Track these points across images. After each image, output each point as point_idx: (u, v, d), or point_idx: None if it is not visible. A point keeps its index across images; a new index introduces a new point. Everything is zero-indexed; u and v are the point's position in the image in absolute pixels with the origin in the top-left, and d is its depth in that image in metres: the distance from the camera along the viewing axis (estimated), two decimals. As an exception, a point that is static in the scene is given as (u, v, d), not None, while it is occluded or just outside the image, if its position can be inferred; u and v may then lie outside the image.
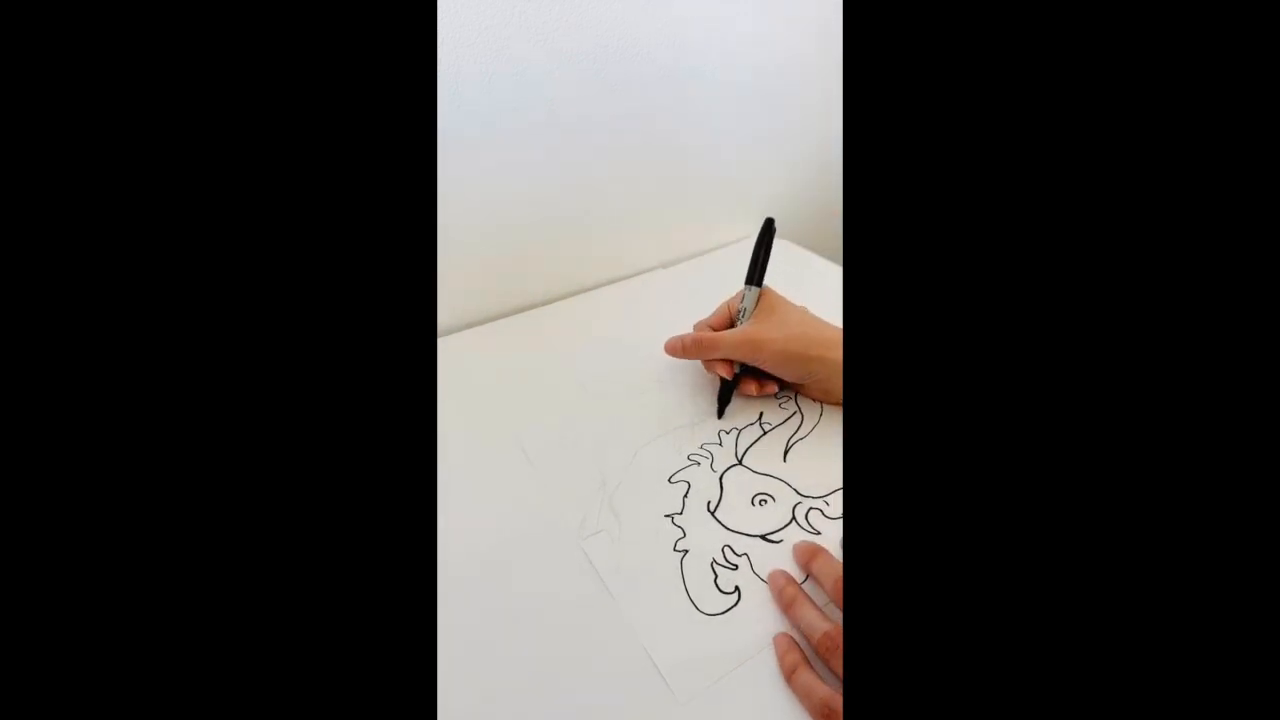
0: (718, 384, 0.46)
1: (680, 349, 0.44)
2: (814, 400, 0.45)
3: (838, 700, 0.27)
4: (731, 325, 0.45)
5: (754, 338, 0.42)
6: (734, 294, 0.46)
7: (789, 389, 0.46)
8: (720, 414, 0.45)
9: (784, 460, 0.41)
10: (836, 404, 0.45)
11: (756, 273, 0.44)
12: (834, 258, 0.65)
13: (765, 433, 0.43)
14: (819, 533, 0.36)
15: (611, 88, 0.53)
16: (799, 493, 0.39)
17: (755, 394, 0.45)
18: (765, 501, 0.38)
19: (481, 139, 0.49)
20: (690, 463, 0.41)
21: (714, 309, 0.47)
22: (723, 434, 0.43)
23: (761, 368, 0.43)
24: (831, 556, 0.33)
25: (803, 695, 0.28)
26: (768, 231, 0.45)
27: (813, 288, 0.58)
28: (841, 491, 0.39)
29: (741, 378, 0.45)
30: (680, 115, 0.58)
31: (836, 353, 0.42)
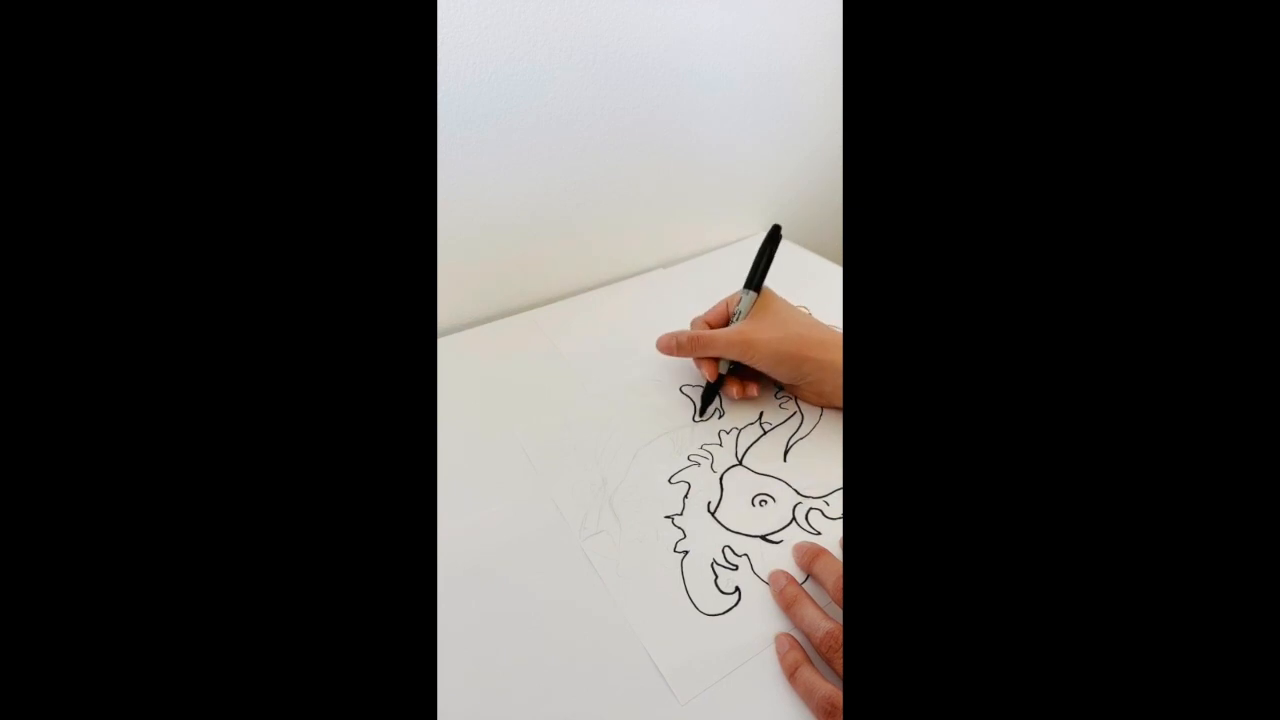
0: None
1: (674, 347, 0.44)
2: (811, 404, 0.45)
3: (840, 698, 0.27)
4: (728, 323, 0.45)
5: (747, 337, 0.42)
6: (733, 292, 0.46)
7: (785, 391, 0.46)
8: (701, 415, 0.45)
9: (784, 460, 0.41)
10: (831, 408, 0.44)
11: (755, 278, 0.44)
12: (834, 258, 0.65)
13: (765, 433, 0.43)
14: (819, 533, 0.36)
15: (611, 88, 0.53)
16: (799, 493, 0.39)
17: (737, 397, 0.44)
18: (765, 502, 0.38)
19: (481, 139, 0.49)
20: (690, 463, 0.41)
21: (711, 306, 0.47)
22: (723, 434, 0.43)
23: (754, 367, 0.43)
24: (833, 557, 0.33)
25: (805, 694, 0.28)
26: (772, 239, 0.45)
27: (813, 288, 0.58)
28: (841, 491, 0.39)
29: (726, 379, 0.45)
30: (680, 115, 0.58)
31: (830, 354, 0.41)
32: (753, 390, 0.44)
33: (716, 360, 0.44)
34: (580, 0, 0.48)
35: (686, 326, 0.46)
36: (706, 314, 0.46)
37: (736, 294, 0.45)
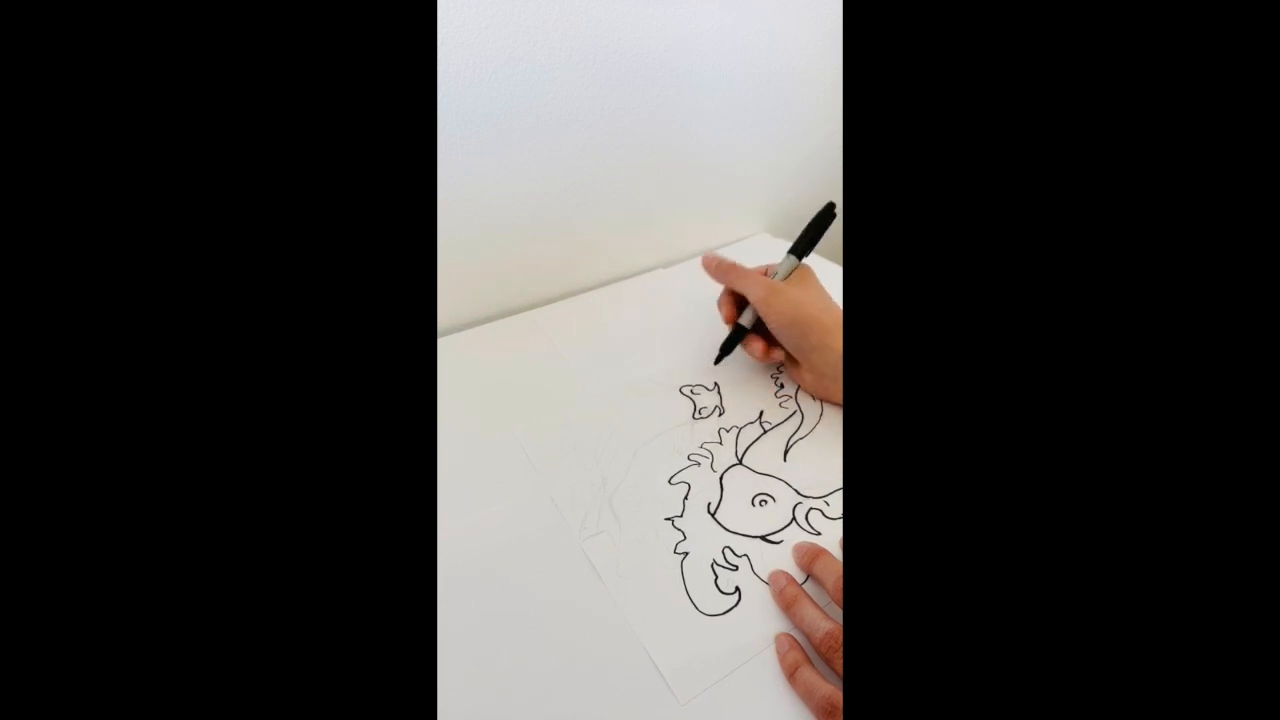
0: (715, 385, 0.47)
1: (714, 266, 0.46)
2: (810, 396, 0.45)
3: (840, 698, 0.27)
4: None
5: (774, 287, 0.43)
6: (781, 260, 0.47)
7: (785, 388, 0.46)
8: (717, 361, 0.46)
9: (784, 460, 0.41)
10: (827, 399, 0.45)
11: (801, 244, 0.46)
12: (834, 258, 0.65)
13: (765, 432, 0.43)
14: (819, 533, 0.36)
15: (611, 88, 0.53)
16: (799, 493, 0.39)
17: (759, 358, 0.45)
18: (765, 502, 0.38)
19: (481, 139, 0.49)
20: (690, 462, 0.41)
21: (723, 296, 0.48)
22: (723, 432, 0.43)
23: (767, 322, 0.44)
24: (833, 557, 0.33)
25: (805, 694, 0.28)
26: (826, 214, 0.46)
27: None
28: (841, 491, 0.39)
29: (749, 333, 0.46)
30: (680, 115, 0.58)
31: (831, 338, 0.42)
32: (777, 354, 0.45)
33: (738, 311, 0.46)
34: (580, 0, 0.48)
35: (688, 327, 0.48)
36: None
37: (781, 261, 0.47)
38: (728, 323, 0.46)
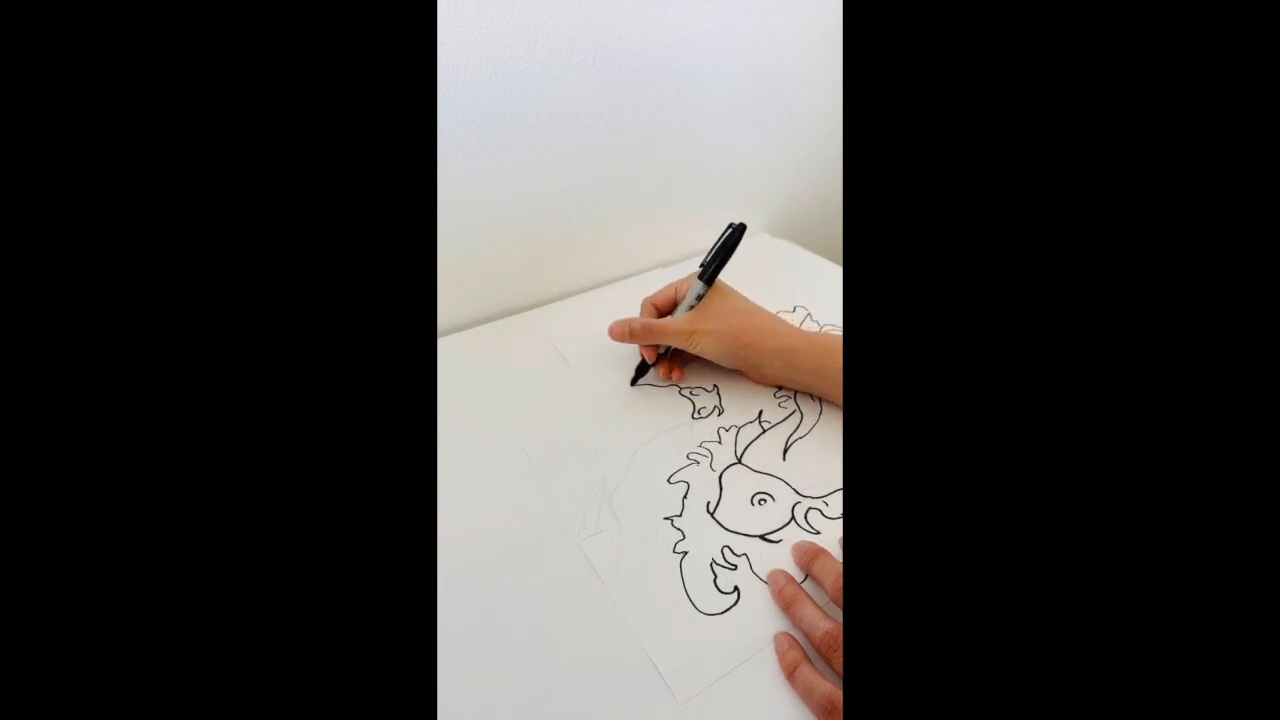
0: (715, 386, 0.48)
1: (627, 334, 0.46)
2: (758, 384, 0.47)
3: (839, 697, 0.27)
4: (674, 304, 0.47)
5: (693, 328, 0.45)
6: (686, 276, 0.47)
7: (787, 391, 0.46)
8: (633, 383, 0.48)
9: (783, 459, 0.41)
10: (773, 387, 0.46)
11: (709, 271, 0.45)
12: (834, 258, 0.65)
13: (764, 431, 0.43)
14: (818, 532, 0.36)
15: (611, 88, 0.53)
16: (798, 492, 0.39)
17: (664, 377, 0.48)
18: (764, 501, 0.38)
19: (481, 139, 0.49)
20: (690, 461, 0.41)
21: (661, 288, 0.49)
22: (722, 431, 0.43)
23: (701, 356, 0.46)
24: (832, 557, 0.33)
25: (804, 693, 0.28)
26: (734, 236, 0.45)
27: (813, 288, 0.58)
28: (841, 491, 0.39)
29: (662, 359, 0.48)
30: (680, 115, 0.58)
31: (769, 341, 0.44)
32: (676, 375, 0.48)
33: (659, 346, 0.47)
34: (580, 0, 0.48)
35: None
36: (655, 296, 0.48)
37: (688, 278, 0.47)
38: (650, 361, 0.47)
